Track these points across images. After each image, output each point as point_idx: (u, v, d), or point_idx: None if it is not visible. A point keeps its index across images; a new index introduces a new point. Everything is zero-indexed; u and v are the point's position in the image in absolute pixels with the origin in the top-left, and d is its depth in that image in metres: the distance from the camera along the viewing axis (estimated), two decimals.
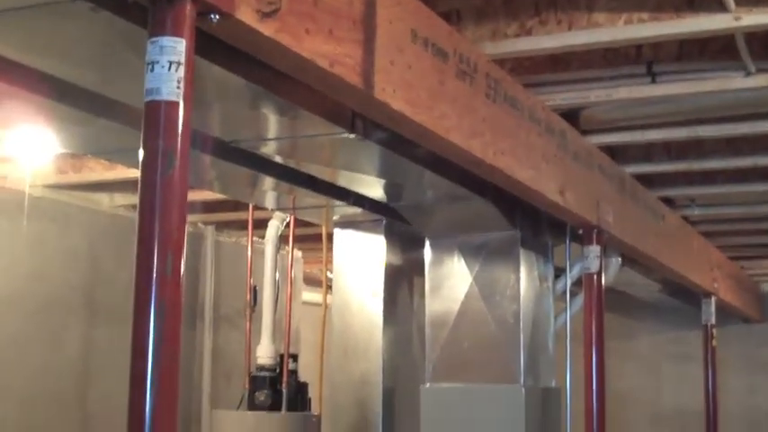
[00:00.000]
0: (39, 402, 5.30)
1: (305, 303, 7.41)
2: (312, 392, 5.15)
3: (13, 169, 5.07)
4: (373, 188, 4.36)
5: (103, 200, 5.71)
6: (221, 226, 6.64)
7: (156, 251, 1.82)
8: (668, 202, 5.88)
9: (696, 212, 6.20)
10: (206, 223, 6.50)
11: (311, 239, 6.31)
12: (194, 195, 5.30)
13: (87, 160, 5.06)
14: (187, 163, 1.87)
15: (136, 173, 4.78)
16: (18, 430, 5.14)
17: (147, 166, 1.86)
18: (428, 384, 4.60)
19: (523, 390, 4.39)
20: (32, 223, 5.24)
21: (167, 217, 1.83)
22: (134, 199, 5.73)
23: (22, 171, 5.04)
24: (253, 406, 4.94)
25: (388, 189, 4.34)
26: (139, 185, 1.87)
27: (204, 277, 6.49)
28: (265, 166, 3.91)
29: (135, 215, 5.39)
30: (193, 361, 6.43)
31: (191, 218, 6.32)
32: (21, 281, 5.20)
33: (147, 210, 1.84)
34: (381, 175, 4.09)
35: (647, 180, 5.32)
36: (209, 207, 5.95)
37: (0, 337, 5.12)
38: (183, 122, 1.87)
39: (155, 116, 1.86)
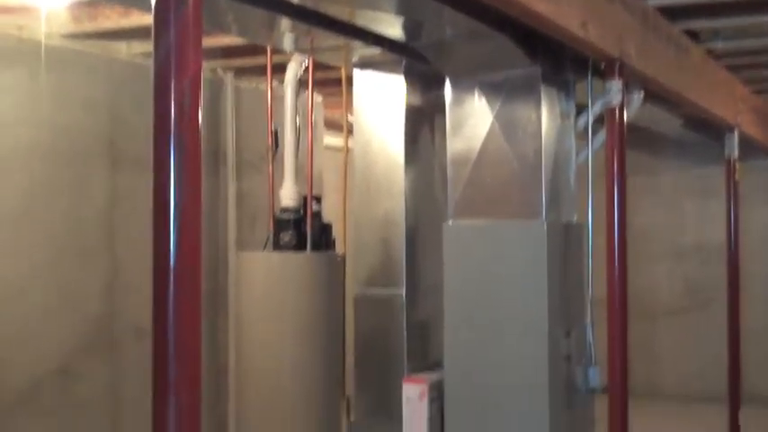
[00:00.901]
0: (67, 252, 5.40)
1: (327, 148, 7.44)
2: (336, 233, 5.22)
3: (29, 19, 5.03)
4: (392, 27, 4.31)
5: (121, 48, 5.67)
6: (241, 72, 6.61)
7: (172, 84, 1.81)
8: (692, 35, 5.77)
9: (720, 45, 6.09)
10: (225, 69, 6.46)
11: (331, 84, 6.29)
12: (212, 41, 5.26)
13: (102, 8, 5.00)
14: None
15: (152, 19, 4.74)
16: (48, 280, 5.26)
17: (161, 4, 1.83)
18: (450, 222, 4.66)
19: (545, 225, 4.44)
20: (51, 73, 5.23)
21: (183, 53, 1.82)
22: (149, 47, 5.71)
23: (37, 21, 5.01)
24: (278, 247, 5.02)
25: (407, 27, 4.29)
26: (153, 22, 1.85)
27: (225, 123, 6.50)
28: (282, 6, 3.87)
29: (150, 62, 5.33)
30: (218, 206, 6.50)
31: (210, 64, 6.28)
32: (42, 132, 5.22)
33: (162, 48, 1.83)
34: (400, 12, 4.03)
35: (671, 13, 5.21)
36: (228, 53, 5.91)
37: (25, 188, 5.18)
38: None
39: None
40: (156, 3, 1.82)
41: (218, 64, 6.33)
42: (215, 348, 6.45)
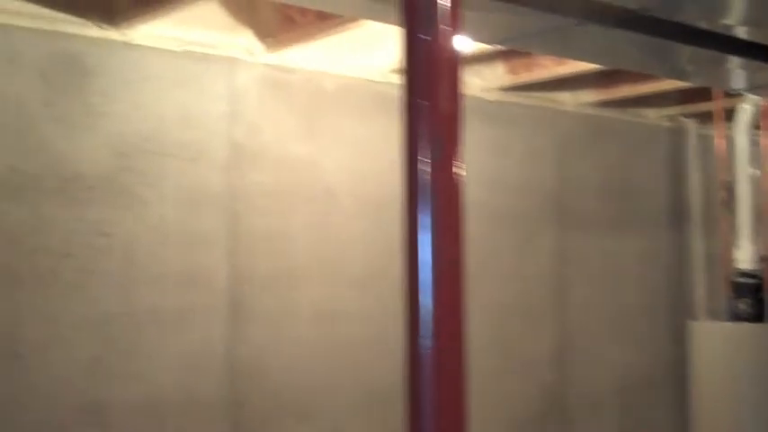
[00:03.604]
0: (513, 310, 5.16)
1: None
2: None
3: (465, 75, 4.92)
4: None
5: (565, 98, 5.36)
6: (693, 117, 5.93)
7: (422, 129, 1.46)
8: None
9: None
10: (686, 116, 5.87)
11: None
12: (671, 85, 4.81)
13: (537, 57, 4.75)
14: (457, 18, 1.48)
15: (591, 67, 4.39)
16: (493, 339, 5.05)
17: (407, 25, 1.49)
18: None
19: None
20: (492, 129, 5.07)
21: (431, 84, 1.46)
22: (599, 95, 5.35)
23: (473, 76, 4.90)
24: (734, 316, 4.37)
25: None
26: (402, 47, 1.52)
27: (689, 174, 5.87)
28: (732, 44, 3.36)
29: (600, 112, 4.89)
30: (685, 267, 5.89)
31: (670, 111, 5.75)
32: (486, 188, 5.06)
33: (409, 77, 1.49)
34: None
35: None
36: (689, 97, 5.36)
37: (470, 246, 5.02)
38: None
39: None
40: (404, 25, 1.48)
41: (678, 110, 5.77)
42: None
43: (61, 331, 3.73)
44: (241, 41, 4.20)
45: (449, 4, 1.48)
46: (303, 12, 3.93)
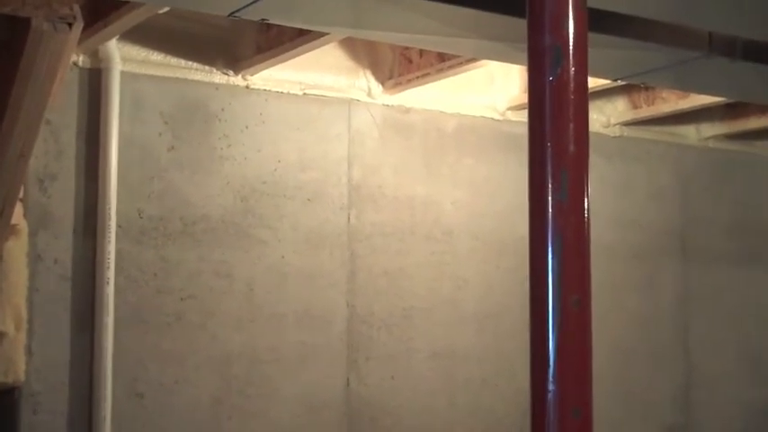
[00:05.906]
0: (636, 350, 5.03)
1: None
2: None
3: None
4: None
5: (688, 132, 5.23)
6: None
7: (548, 170, 1.43)
8: None
9: None
10: None
11: None
12: None
13: (660, 91, 4.66)
14: (584, 60, 1.45)
15: (715, 99, 4.30)
16: (614, 379, 4.93)
17: (532, 67, 1.47)
18: None
19: None
20: (614, 165, 4.96)
21: (558, 126, 1.43)
22: (724, 128, 5.20)
23: (593, 112, 4.84)
24: None
25: None
26: (528, 88, 1.49)
27: None
28: None
29: (725, 146, 4.76)
30: None
31: None
32: (609, 226, 4.95)
33: (536, 119, 1.46)
34: None
35: None
36: None
37: (595, 286, 4.92)
38: (575, 11, 1.46)
39: (539, 3, 1.47)
40: (528, 59, 1.46)
41: None
42: None
43: (183, 371, 3.79)
44: (360, 83, 4.24)
45: (573, 44, 1.45)
46: (421, 52, 3.95)
